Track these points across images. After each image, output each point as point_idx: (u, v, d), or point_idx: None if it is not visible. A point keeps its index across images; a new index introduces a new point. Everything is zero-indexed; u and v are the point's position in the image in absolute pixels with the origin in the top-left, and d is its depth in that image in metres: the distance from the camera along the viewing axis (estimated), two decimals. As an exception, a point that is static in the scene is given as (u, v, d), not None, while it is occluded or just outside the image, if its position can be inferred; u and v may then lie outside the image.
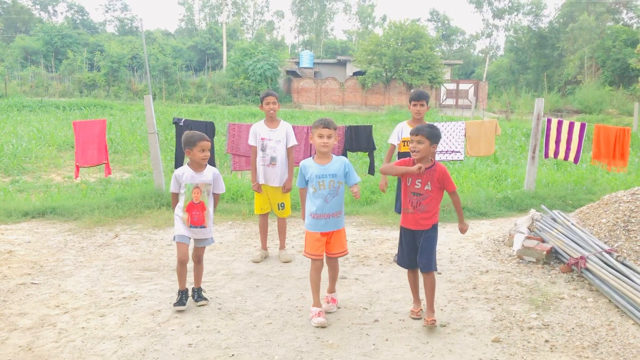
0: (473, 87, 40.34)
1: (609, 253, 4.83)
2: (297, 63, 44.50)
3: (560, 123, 8.81)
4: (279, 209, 5.78)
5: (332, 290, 4.43)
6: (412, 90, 6.47)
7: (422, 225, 4.05)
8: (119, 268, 5.41)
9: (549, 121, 8.85)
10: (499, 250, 5.87)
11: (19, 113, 24.47)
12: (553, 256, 5.44)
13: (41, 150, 14.27)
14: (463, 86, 40.63)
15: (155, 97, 33.91)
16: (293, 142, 5.72)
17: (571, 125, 8.73)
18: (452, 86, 40.31)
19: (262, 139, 5.61)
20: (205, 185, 4.40)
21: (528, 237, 5.70)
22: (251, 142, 5.71)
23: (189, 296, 4.52)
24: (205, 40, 55.07)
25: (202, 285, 4.68)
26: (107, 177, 9.95)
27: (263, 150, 5.62)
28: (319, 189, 4.14)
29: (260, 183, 5.72)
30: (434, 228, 4.09)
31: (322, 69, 45.00)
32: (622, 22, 50.81)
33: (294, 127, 8.25)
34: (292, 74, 41.47)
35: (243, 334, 3.90)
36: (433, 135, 3.98)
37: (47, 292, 4.73)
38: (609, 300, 4.42)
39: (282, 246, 5.88)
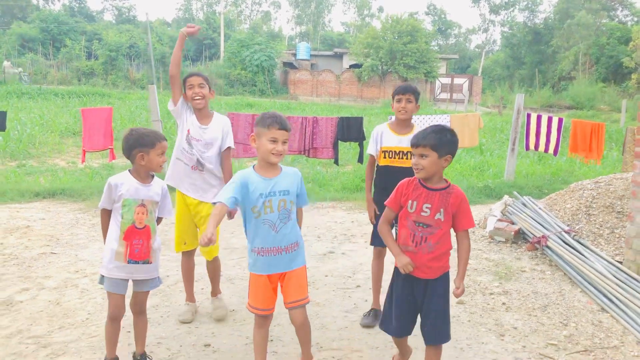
0: (467, 81, 40.88)
1: (568, 233, 5.42)
2: (294, 55, 44.91)
3: (539, 117, 9.40)
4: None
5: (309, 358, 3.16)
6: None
7: (429, 271, 2.88)
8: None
9: (528, 115, 9.44)
10: (473, 232, 6.45)
11: (19, 100, 24.83)
12: (521, 236, 6.03)
13: (44, 136, 14.76)
14: (458, 80, 41.16)
15: (153, 87, 34.24)
16: (229, 142, 3.99)
17: (549, 119, 9.32)
18: (446, 80, 40.81)
19: (189, 131, 3.91)
20: (152, 203, 3.19)
21: (499, 220, 6.28)
22: (170, 107, 3.99)
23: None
24: (202, 30, 55.33)
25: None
26: (110, 163, 10.50)
27: (188, 143, 3.91)
28: (264, 212, 2.93)
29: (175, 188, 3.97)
30: (445, 278, 2.95)
31: (318, 61, 45.41)
32: (617, 19, 51.45)
33: (288, 118, 8.84)
34: (289, 65, 41.90)
35: (242, 296, 4.46)
36: (443, 144, 2.82)
37: (66, 260, 5.29)
38: (564, 273, 5.02)
39: (214, 292, 4.19)
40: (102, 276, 3.17)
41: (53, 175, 10.17)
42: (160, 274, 4.90)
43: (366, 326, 3.93)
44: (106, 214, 3.19)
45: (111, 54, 38.07)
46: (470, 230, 6.54)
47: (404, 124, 3.99)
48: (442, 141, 2.81)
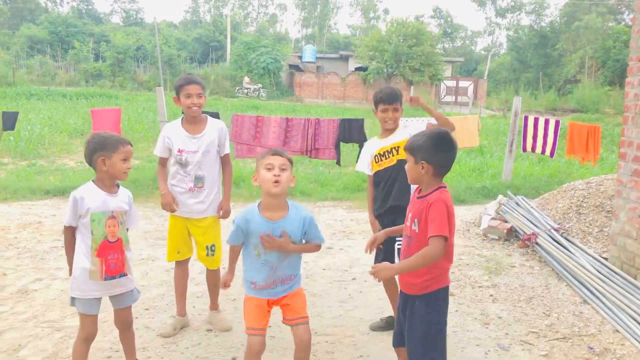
0: (472, 84, 41.08)
1: (557, 230, 5.64)
2: (300, 57, 45.25)
3: (536, 120, 9.61)
4: (207, 254, 3.89)
5: None
6: (378, 90, 3.90)
7: (409, 287, 2.66)
8: (137, 237, 6.22)
9: (526, 118, 9.64)
10: (468, 230, 6.68)
11: (28, 101, 25.21)
12: (513, 234, 6.25)
13: (53, 137, 15.07)
14: (463, 84, 41.37)
15: (160, 88, 34.57)
16: (227, 149, 3.91)
17: (546, 122, 9.52)
18: (451, 83, 41.05)
19: (180, 151, 3.74)
20: (122, 214, 2.99)
21: (493, 218, 6.51)
22: (158, 151, 3.85)
23: None
24: (209, 32, 55.73)
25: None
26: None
27: (183, 166, 3.76)
28: (264, 253, 2.87)
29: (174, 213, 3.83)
30: (430, 297, 2.62)
31: (324, 63, 45.69)
32: (623, 22, 51.44)
33: (290, 120, 9.10)
34: (295, 68, 42.19)
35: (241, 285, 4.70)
36: (416, 149, 2.60)
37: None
38: (552, 269, 5.24)
39: (213, 306, 4.07)
40: (73, 298, 2.92)
41: (62, 175, 10.46)
42: (165, 266, 5.20)
43: (373, 329, 3.91)
44: (70, 232, 2.93)
45: (119, 56, 38.50)
46: (464, 228, 6.80)
47: (391, 131, 3.79)
48: (415, 146, 2.60)
